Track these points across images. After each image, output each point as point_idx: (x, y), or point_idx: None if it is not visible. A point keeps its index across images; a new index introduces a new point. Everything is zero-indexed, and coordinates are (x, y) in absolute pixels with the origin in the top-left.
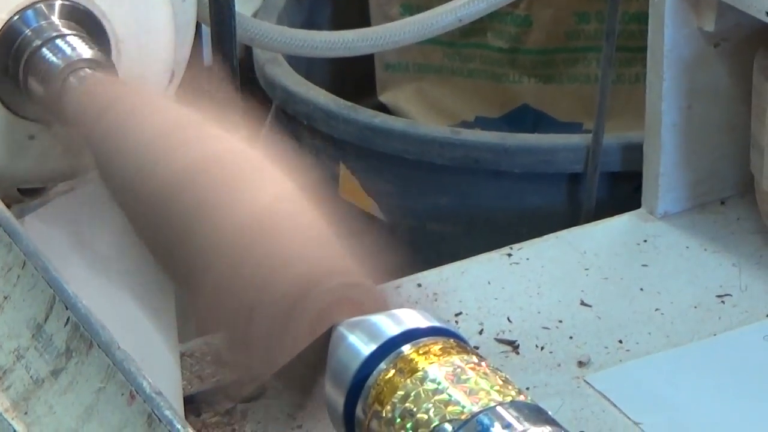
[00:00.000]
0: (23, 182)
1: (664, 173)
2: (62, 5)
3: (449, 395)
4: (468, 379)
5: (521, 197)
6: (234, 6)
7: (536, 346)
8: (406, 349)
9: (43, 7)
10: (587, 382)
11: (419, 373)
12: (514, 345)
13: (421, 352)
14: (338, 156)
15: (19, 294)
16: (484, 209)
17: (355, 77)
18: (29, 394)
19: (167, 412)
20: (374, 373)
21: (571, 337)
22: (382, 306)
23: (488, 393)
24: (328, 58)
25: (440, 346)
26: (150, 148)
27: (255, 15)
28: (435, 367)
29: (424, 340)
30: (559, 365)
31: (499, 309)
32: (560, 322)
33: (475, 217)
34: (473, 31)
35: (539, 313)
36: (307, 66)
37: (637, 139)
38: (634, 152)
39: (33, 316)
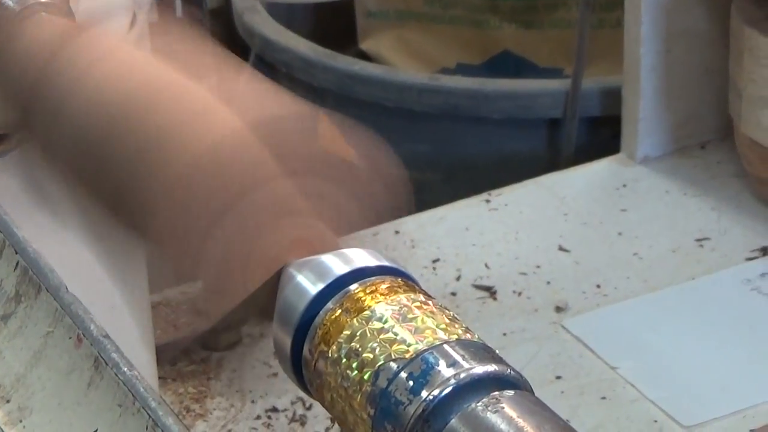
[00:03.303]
0: None
1: (644, 118)
2: None
3: (395, 334)
4: (414, 318)
5: (501, 143)
6: None
7: (514, 292)
8: (354, 288)
9: None
10: (564, 327)
11: (365, 312)
12: (491, 291)
13: (368, 291)
14: (318, 104)
15: None
16: (464, 156)
17: (336, 26)
18: None
19: (114, 355)
20: (321, 312)
21: (548, 283)
22: (332, 246)
23: (434, 331)
24: (309, 8)
25: (387, 285)
26: (99, 92)
27: None
28: (381, 305)
29: (372, 279)
30: (537, 311)
31: (476, 255)
32: (538, 267)
33: (455, 163)
34: None
35: (517, 258)
36: (287, 15)
37: (616, 84)
38: (613, 97)
39: None
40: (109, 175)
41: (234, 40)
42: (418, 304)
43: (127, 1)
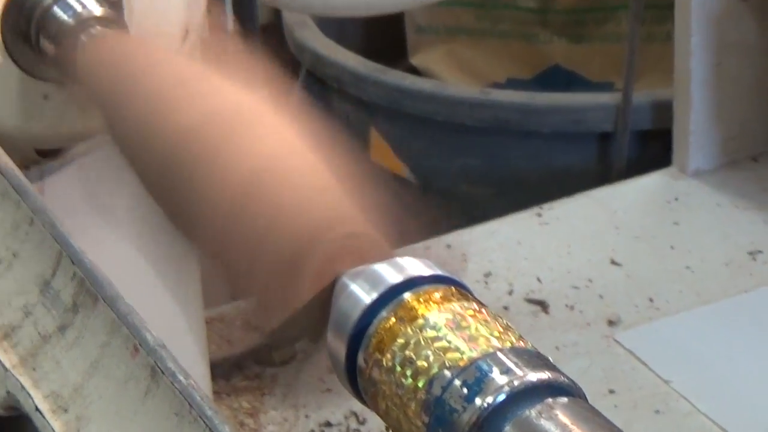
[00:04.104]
0: (39, 143)
1: (695, 130)
2: None
3: (448, 342)
4: (468, 326)
5: (551, 157)
6: None
7: (566, 306)
8: (407, 296)
9: None
10: (617, 341)
11: (419, 321)
12: (543, 305)
13: (421, 299)
14: (368, 119)
15: (28, 251)
16: (514, 170)
17: (386, 41)
18: (37, 350)
19: (170, 364)
20: (375, 321)
21: (600, 296)
22: (385, 255)
23: (488, 339)
24: (359, 22)
25: (441, 294)
26: (157, 103)
27: None
28: (435, 314)
29: (425, 287)
30: (589, 324)
31: (528, 269)
32: (590, 281)
33: (506, 177)
34: None
35: (569, 272)
36: (338, 30)
37: (667, 97)
38: (664, 110)
39: (41, 273)
40: (169, 180)
41: (285, 55)
42: (471, 312)
43: (180, 16)
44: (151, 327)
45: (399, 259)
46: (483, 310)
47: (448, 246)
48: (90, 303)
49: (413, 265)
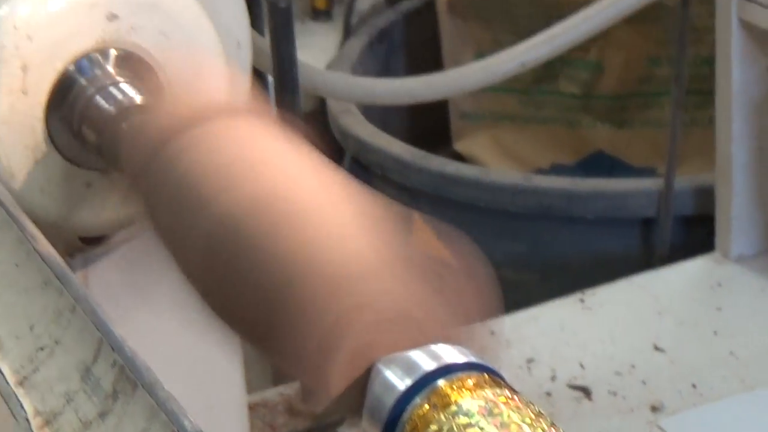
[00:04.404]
0: (83, 231)
1: (737, 216)
2: (117, 54)
3: (481, 428)
4: (500, 413)
5: (595, 243)
6: (296, 55)
7: (609, 392)
8: (441, 383)
9: (98, 56)
10: (661, 428)
11: (452, 408)
12: (586, 391)
13: (454, 386)
14: (412, 205)
15: (69, 338)
16: (558, 255)
17: (430, 127)
18: None
19: None
20: (409, 407)
21: (644, 382)
22: (421, 341)
23: (520, 426)
24: (403, 109)
25: (474, 381)
26: (196, 189)
27: (329, 66)
28: (468, 401)
29: (459, 374)
30: (632, 411)
31: (571, 355)
32: (633, 367)
33: (549, 263)
34: (546, 77)
35: (612, 358)
36: (382, 117)
37: (709, 182)
38: (707, 195)
39: (82, 359)
40: (209, 267)
41: (329, 142)
42: (503, 399)
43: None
44: (192, 413)
45: (434, 346)
46: (515, 397)
47: (491, 332)
48: (129, 389)
49: (447, 352)
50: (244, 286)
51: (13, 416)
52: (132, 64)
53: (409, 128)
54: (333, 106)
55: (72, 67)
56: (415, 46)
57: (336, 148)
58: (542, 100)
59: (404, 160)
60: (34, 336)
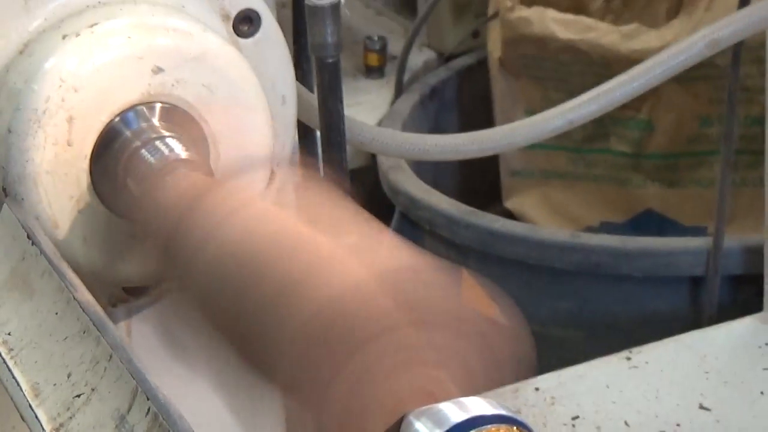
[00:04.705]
0: (126, 281)
1: None
2: (162, 107)
3: None
4: None
5: (642, 301)
6: (343, 110)
7: None
8: None
9: (144, 110)
10: None
11: None
12: None
13: None
14: (461, 261)
15: (105, 386)
16: (605, 313)
17: (482, 185)
18: None
19: None
20: None
21: None
22: (452, 394)
23: None
24: (454, 166)
25: None
26: (230, 244)
27: (380, 123)
28: None
29: (488, 427)
30: None
31: (616, 413)
32: (678, 426)
33: (596, 321)
34: (597, 136)
35: (657, 416)
36: (433, 174)
37: (758, 242)
38: (756, 255)
39: (117, 407)
40: (238, 324)
41: (379, 198)
42: None
43: (266, 158)
44: None
45: (464, 399)
46: None
47: (537, 389)
48: None
49: (477, 405)
50: (273, 337)
51: None
52: (176, 117)
53: (460, 185)
54: (383, 162)
55: (117, 120)
56: (467, 104)
57: (385, 203)
58: (593, 158)
59: (452, 216)
60: (71, 384)
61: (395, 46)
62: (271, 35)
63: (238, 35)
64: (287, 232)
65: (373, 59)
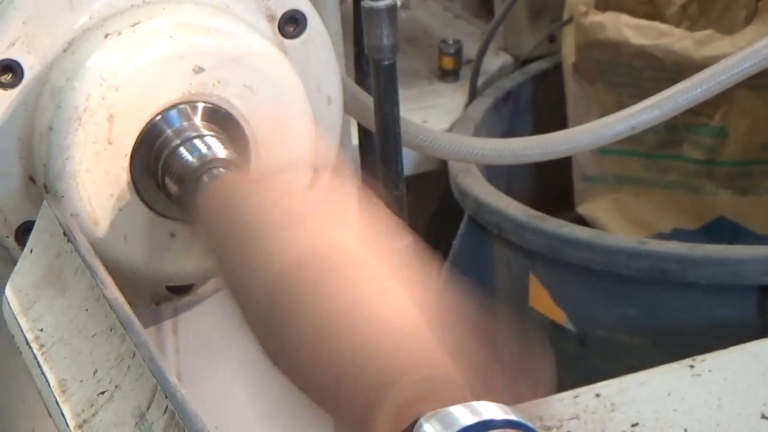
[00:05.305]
0: (168, 280)
1: None
2: (205, 107)
3: None
4: None
5: (710, 309)
6: (398, 112)
7: None
8: None
9: (187, 108)
10: None
11: None
12: None
13: None
14: (528, 266)
15: (128, 383)
16: (672, 321)
17: (555, 190)
18: None
19: None
20: None
21: None
22: (464, 398)
23: None
24: (528, 171)
25: None
26: (260, 244)
27: (452, 126)
28: None
29: (497, 431)
30: None
31: (677, 421)
32: None
33: (663, 328)
34: (670, 142)
35: (718, 425)
36: (507, 179)
37: None
38: None
39: (138, 405)
40: (269, 315)
41: (449, 201)
42: None
43: (308, 160)
44: None
45: (476, 403)
46: None
47: (597, 395)
48: None
49: (489, 409)
50: (295, 338)
51: None
52: (217, 117)
53: (533, 191)
54: (453, 165)
55: (158, 118)
56: (542, 109)
57: (455, 207)
58: (666, 165)
59: (520, 221)
60: (96, 380)
61: (471, 50)
62: (317, 36)
63: (283, 36)
64: (316, 234)
65: (448, 62)
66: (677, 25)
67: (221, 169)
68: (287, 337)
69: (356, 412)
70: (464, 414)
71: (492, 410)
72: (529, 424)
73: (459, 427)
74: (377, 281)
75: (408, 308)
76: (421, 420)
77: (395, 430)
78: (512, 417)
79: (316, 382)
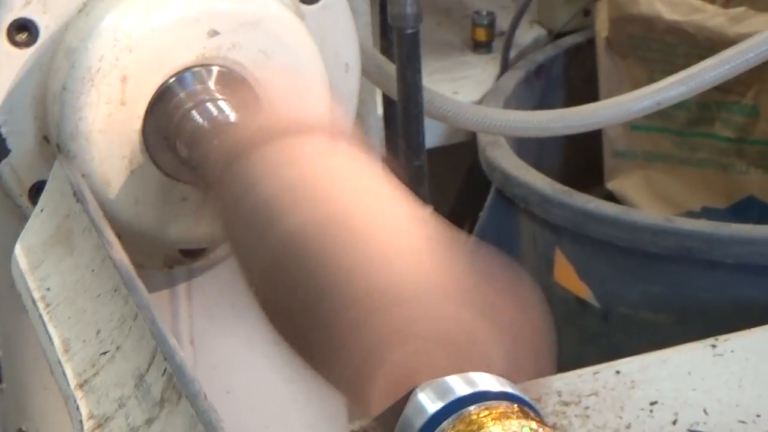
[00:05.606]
0: (180, 243)
1: None
2: (219, 71)
3: None
4: None
5: (735, 289)
6: (421, 82)
7: None
8: (471, 409)
9: (202, 71)
10: None
11: None
12: None
13: (482, 414)
14: (554, 240)
15: (129, 344)
16: (696, 299)
17: (585, 165)
18: None
19: None
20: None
21: None
22: (465, 369)
23: None
24: (558, 145)
25: (501, 410)
26: (266, 208)
27: (483, 99)
28: (492, 429)
29: (489, 403)
30: None
31: (696, 400)
32: (758, 416)
33: (687, 306)
34: (701, 120)
35: (737, 406)
36: (537, 153)
37: None
38: None
39: (137, 366)
40: (271, 279)
41: (477, 174)
42: (527, 430)
43: (324, 126)
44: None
45: (473, 374)
46: (541, 429)
47: (617, 372)
48: (175, 398)
49: (485, 380)
50: (295, 301)
51: (70, 418)
52: (231, 81)
53: (563, 165)
54: (482, 137)
55: (171, 81)
56: (574, 83)
57: (483, 179)
58: (697, 142)
59: (547, 194)
60: (99, 341)
61: (505, 22)
62: (336, 2)
63: (301, 1)
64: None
65: (481, 34)
66: (711, 1)
67: (231, 133)
68: (288, 303)
69: (350, 379)
70: (459, 384)
71: (488, 381)
72: (525, 397)
73: (453, 398)
74: (394, 241)
75: (412, 268)
76: (416, 389)
77: (390, 398)
78: (508, 389)
79: (313, 346)
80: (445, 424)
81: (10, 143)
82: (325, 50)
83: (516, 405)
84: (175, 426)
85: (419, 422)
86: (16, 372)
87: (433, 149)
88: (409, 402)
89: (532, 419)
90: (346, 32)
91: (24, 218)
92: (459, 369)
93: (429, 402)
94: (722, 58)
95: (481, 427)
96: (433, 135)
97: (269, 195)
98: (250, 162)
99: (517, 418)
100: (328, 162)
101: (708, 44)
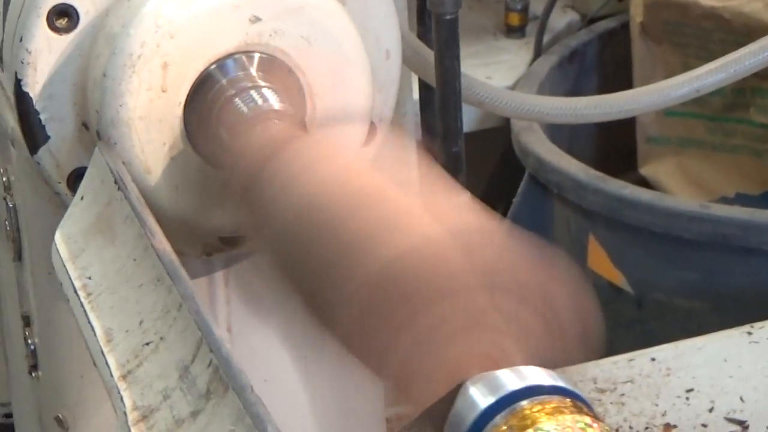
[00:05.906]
0: (219, 231)
1: None
2: (261, 57)
3: None
4: None
5: None
6: (459, 68)
7: (767, 428)
8: (522, 404)
9: (243, 58)
10: None
11: (528, 431)
12: (744, 425)
13: (534, 409)
14: (588, 226)
15: (173, 335)
16: (732, 286)
17: (619, 151)
18: None
19: None
20: (488, 427)
21: None
22: (515, 362)
23: None
24: (591, 131)
25: (554, 405)
26: (304, 195)
27: (516, 83)
28: (546, 424)
29: (541, 397)
30: None
31: (732, 387)
32: None
33: (722, 293)
34: (736, 105)
35: None
36: (570, 138)
37: None
38: None
39: (182, 358)
40: (306, 276)
41: (510, 159)
42: (582, 425)
43: (363, 113)
44: (331, 419)
45: (523, 367)
46: (595, 425)
47: (653, 359)
48: (221, 390)
49: (536, 374)
50: (341, 293)
51: (114, 409)
52: (273, 68)
53: (596, 151)
54: (515, 123)
55: (213, 68)
56: (608, 68)
57: (517, 165)
58: (731, 128)
59: (580, 180)
60: (142, 331)
61: (538, 7)
62: None
63: None
64: (365, 187)
65: (515, 19)
66: None
67: (276, 121)
68: (332, 291)
69: (399, 371)
70: (511, 378)
71: (539, 376)
72: (576, 391)
73: (505, 392)
74: (441, 232)
75: (458, 262)
76: (467, 383)
77: (439, 392)
78: (560, 383)
79: (361, 341)
80: (497, 418)
81: (50, 129)
82: (366, 36)
83: (569, 399)
84: (222, 418)
85: (471, 417)
86: (52, 360)
87: (466, 134)
88: (459, 396)
89: (586, 414)
90: (387, 18)
91: (62, 206)
92: (509, 362)
93: (480, 396)
94: (762, 45)
95: (534, 422)
96: (467, 120)
97: (316, 187)
98: (294, 151)
99: (571, 413)
100: (372, 153)
101: (744, 30)
